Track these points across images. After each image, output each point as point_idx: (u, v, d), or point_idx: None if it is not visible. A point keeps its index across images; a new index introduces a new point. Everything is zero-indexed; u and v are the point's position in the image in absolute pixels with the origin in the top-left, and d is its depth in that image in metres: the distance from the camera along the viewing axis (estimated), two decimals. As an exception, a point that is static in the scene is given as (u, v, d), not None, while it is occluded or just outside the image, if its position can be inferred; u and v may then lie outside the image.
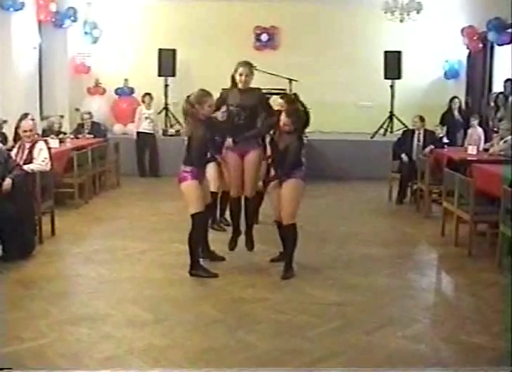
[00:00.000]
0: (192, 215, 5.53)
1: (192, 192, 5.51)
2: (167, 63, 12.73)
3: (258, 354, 4.01)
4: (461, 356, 4.09)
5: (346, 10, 13.25)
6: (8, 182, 6.01)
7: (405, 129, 10.91)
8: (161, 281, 5.51)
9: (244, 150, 6.03)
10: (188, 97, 5.57)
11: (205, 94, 5.56)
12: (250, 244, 6.27)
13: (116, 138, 11.77)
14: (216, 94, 5.89)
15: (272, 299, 5.05)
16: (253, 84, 6.03)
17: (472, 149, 8.67)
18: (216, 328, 4.45)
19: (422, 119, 9.49)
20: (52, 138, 9.05)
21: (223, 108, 6.01)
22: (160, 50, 12.75)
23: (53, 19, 11.58)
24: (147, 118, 11.69)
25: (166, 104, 12.84)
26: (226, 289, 5.30)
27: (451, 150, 9.18)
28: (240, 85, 5.98)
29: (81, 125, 10.80)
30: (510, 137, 8.40)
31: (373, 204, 9.27)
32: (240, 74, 5.98)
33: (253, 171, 6.07)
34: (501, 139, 8.64)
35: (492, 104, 10.83)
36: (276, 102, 6.48)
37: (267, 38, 13.78)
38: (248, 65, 6.05)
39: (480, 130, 10.19)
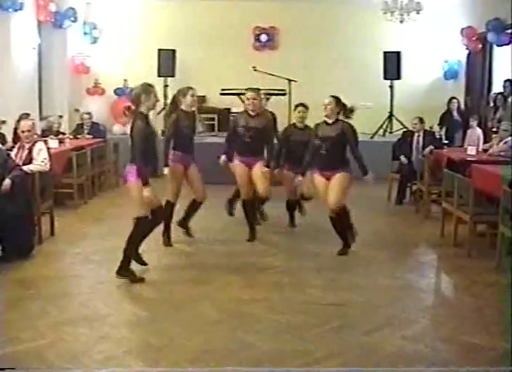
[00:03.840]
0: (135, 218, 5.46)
1: (135, 193, 5.39)
2: (166, 63, 12.73)
3: (257, 354, 4.00)
4: (461, 357, 4.08)
5: (345, 11, 13.27)
6: (7, 182, 6.00)
7: (404, 129, 10.89)
8: (160, 281, 5.51)
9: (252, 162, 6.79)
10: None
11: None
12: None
13: (116, 138, 11.72)
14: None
15: (271, 299, 5.05)
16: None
17: (471, 150, 8.66)
18: (215, 328, 4.45)
19: (421, 121, 9.43)
20: (51, 138, 9.06)
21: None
22: (160, 51, 12.75)
23: (53, 20, 11.60)
24: (146, 118, 11.66)
25: (165, 104, 12.82)
26: (225, 289, 5.30)
27: (451, 151, 9.17)
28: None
29: (80, 126, 10.79)
30: (510, 138, 8.38)
31: (372, 205, 9.24)
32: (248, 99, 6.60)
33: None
34: (500, 140, 8.63)
35: (491, 104, 10.84)
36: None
37: (266, 38, 13.79)
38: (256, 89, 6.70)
39: (479, 131, 10.17)
